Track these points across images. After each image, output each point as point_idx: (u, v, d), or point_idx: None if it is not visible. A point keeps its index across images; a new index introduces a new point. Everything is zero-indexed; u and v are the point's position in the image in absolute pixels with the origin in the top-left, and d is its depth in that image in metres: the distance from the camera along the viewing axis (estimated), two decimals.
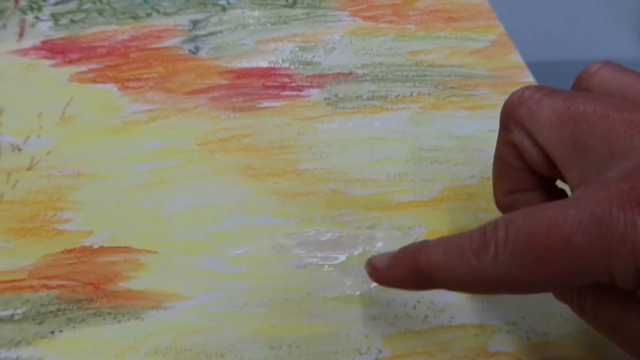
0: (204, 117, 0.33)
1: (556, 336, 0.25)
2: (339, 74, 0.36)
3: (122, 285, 0.27)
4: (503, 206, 0.23)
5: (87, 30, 0.38)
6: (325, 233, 0.28)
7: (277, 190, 0.30)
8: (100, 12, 0.39)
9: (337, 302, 0.26)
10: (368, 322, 0.26)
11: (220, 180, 0.30)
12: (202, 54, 0.37)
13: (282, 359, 0.24)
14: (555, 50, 0.41)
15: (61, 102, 0.34)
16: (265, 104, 0.34)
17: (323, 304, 0.26)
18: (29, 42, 0.37)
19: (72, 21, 0.39)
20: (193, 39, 0.38)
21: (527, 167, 0.22)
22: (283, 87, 0.35)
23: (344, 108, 0.34)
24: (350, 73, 0.36)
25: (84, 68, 0.36)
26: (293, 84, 0.35)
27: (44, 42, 0.37)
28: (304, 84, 0.35)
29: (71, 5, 0.40)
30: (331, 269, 0.27)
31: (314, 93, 0.35)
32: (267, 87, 0.35)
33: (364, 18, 0.40)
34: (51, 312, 0.26)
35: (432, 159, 0.32)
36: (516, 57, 0.37)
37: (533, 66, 0.37)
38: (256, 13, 0.40)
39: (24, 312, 0.26)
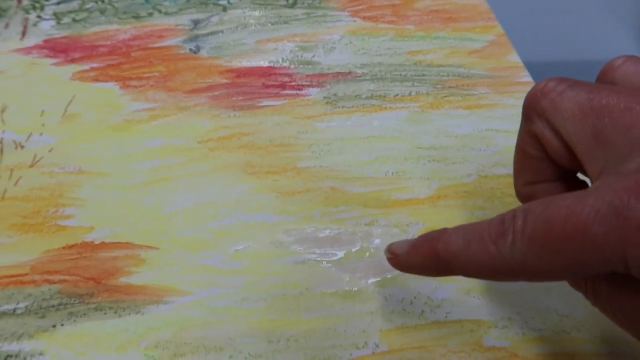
0: (205, 116, 0.34)
1: (551, 332, 0.26)
2: (339, 73, 0.36)
3: (123, 280, 0.27)
4: (523, 197, 0.23)
5: (89, 29, 0.39)
6: (323, 230, 0.29)
7: (276, 188, 0.30)
8: (102, 12, 0.40)
9: (335, 298, 0.26)
10: (365, 317, 0.26)
11: (221, 178, 0.31)
12: (203, 53, 0.37)
13: (280, 353, 0.25)
14: (553, 50, 0.41)
15: (63, 101, 0.34)
16: (265, 102, 0.35)
17: (321, 299, 0.26)
18: (31, 41, 0.38)
19: (74, 20, 0.39)
20: (194, 38, 0.38)
21: (548, 159, 0.22)
22: (283, 86, 0.36)
23: (343, 107, 0.34)
24: (350, 72, 0.36)
25: (86, 67, 0.36)
26: (293, 83, 0.36)
27: (46, 41, 0.38)
28: (303, 83, 0.36)
29: (73, 5, 0.40)
30: (329, 265, 0.28)
31: (314, 92, 0.35)
32: (267, 86, 0.36)
33: (364, 18, 0.40)
34: (53, 306, 0.26)
35: (429, 158, 0.32)
36: (514, 57, 0.38)
37: (531, 66, 0.37)
38: (257, 13, 0.40)
39: (26, 307, 0.26)
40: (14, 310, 0.26)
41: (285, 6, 0.41)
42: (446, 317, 0.26)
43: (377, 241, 0.28)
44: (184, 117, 0.34)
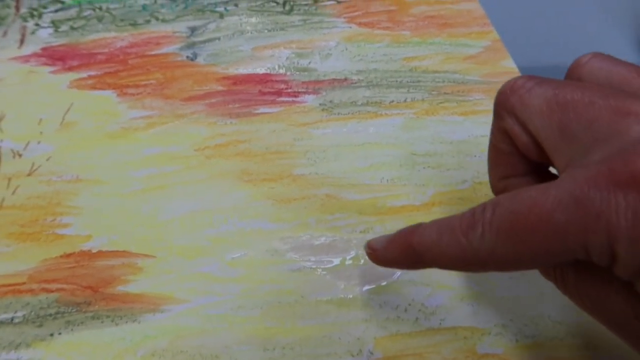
0: (202, 123, 0.34)
1: (545, 338, 0.26)
2: (334, 80, 0.37)
3: (120, 288, 0.27)
4: (498, 191, 0.24)
5: (86, 37, 0.39)
6: (319, 237, 0.29)
7: (272, 195, 0.31)
8: (100, 19, 0.40)
9: (330, 305, 0.27)
10: (360, 324, 0.26)
11: (217, 186, 0.31)
12: (200, 60, 0.38)
13: None
14: (549, 55, 0.41)
15: (61, 109, 0.35)
16: (262, 109, 0.35)
17: (316, 306, 0.27)
18: (29, 49, 0.38)
19: (72, 28, 0.39)
20: (191, 45, 0.39)
21: (519, 153, 0.22)
22: (279, 93, 0.36)
23: (339, 114, 0.35)
24: (346, 79, 0.37)
25: (84, 75, 0.36)
26: (289, 90, 0.36)
27: (44, 49, 0.38)
28: (299, 90, 0.36)
29: (71, 12, 0.41)
30: (324, 272, 0.28)
31: (310, 99, 0.35)
32: (264, 93, 0.36)
33: (360, 24, 0.40)
34: (50, 315, 0.26)
35: (425, 164, 0.32)
36: (509, 63, 0.38)
37: (526, 71, 0.37)
38: (253, 20, 0.40)
39: (23, 315, 0.26)
40: (12, 319, 0.26)
41: (282, 13, 0.41)
42: (440, 324, 0.26)
43: None
44: (181, 124, 0.34)
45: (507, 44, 0.39)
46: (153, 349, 0.25)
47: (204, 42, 0.39)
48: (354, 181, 0.31)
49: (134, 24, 0.40)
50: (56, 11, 0.41)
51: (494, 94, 0.36)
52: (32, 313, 0.26)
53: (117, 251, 0.28)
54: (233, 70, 0.37)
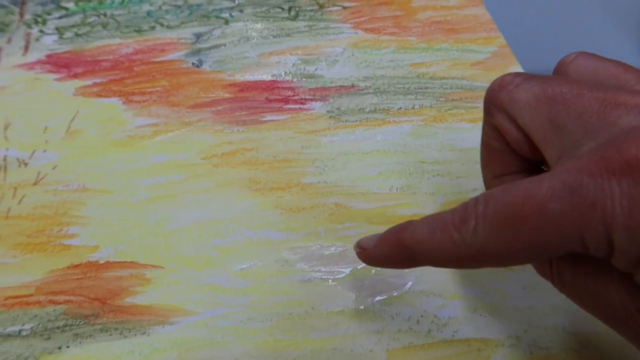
0: (208, 131, 0.34)
1: (559, 350, 0.25)
2: (341, 87, 0.36)
3: (129, 300, 0.27)
4: None
5: (91, 43, 0.39)
6: (329, 247, 0.29)
7: (280, 205, 0.30)
8: (105, 26, 0.40)
9: (341, 317, 0.26)
10: (372, 336, 0.26)
11: (225, 195, 0.31)
12: (206, 67, 0.37)
13: None
14: (556, 61, 0.41)
15: (66, 116, 0.34)
16: (269, 117, 0.34)
17: (327, 318, 0.26)
18: (34, 55, 0.38)
19: (77, 35, 0.39)
20: (196, 52, 0.38)
21: (511, 150, 0.22)
22: (286, 100, 0.35)
23: (346, 121, 0.34)
24: (353, 86, 0.36)
25: (89, 82, 0.36)
26: (296, 97, 0.36)
27: (49, 56, 0.38)
28: (306, 97, 0.36)
29: (75, 19, 0.40)
30: (335, 283, 0.27)
31: (317, 106, 0.35)
32: (270, 101, 0.35)
33: (366, 30, 0.40)
34: (58, 327, 0.26)
35: (434, 172, 0.32)
36: (517, 69, 0.38)
37: None
38: (258, 26, 0.40)
39: (31, 328, 0.26)
40: (20, 332, 0.26)
41: (287, 18, 0.41)
42: (453, 335, 0.26)
43: None
44: (187, 132, 0.34)
45: (515, 50, 0.39)
46: None
47: (210, 48, 0.38)
48: (363, 190, 0.31)
49: (139, 31, 0.40)
50: (60, 17, 0.40)
51: None
52: (40, 325, 0.26)
53: (125, 262, 0.28)
54: (239, 77, 0.37)
